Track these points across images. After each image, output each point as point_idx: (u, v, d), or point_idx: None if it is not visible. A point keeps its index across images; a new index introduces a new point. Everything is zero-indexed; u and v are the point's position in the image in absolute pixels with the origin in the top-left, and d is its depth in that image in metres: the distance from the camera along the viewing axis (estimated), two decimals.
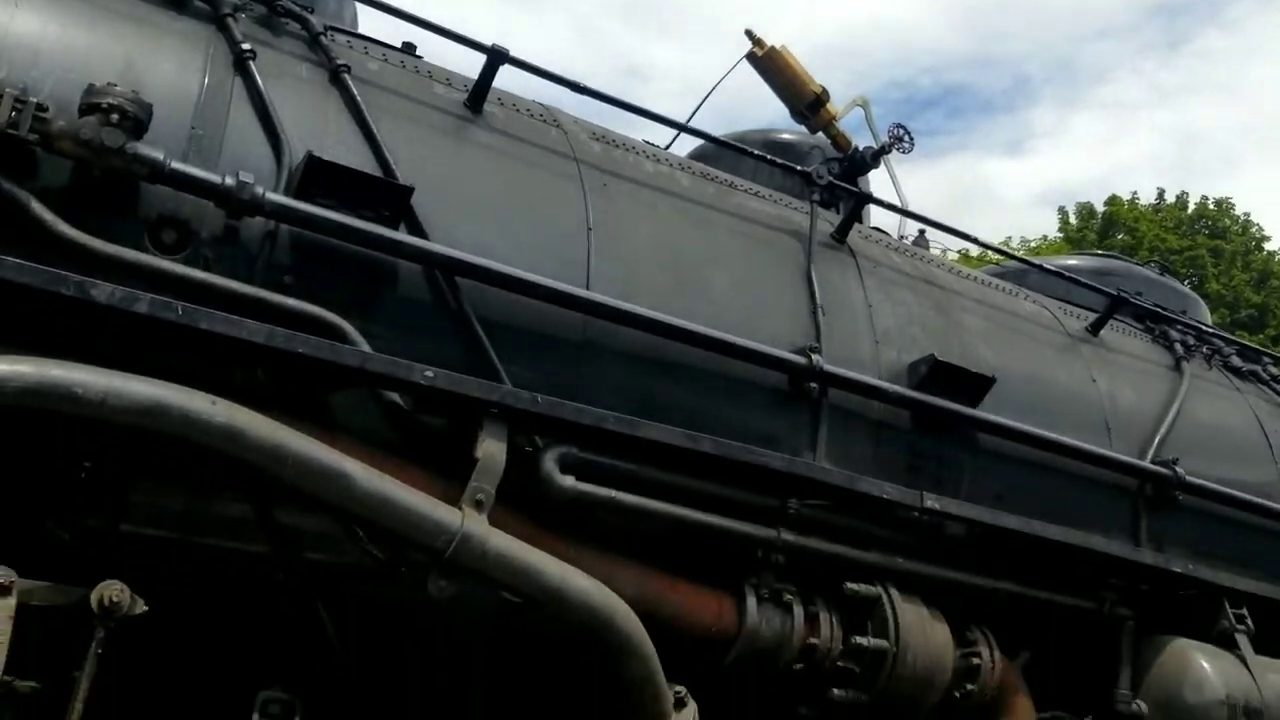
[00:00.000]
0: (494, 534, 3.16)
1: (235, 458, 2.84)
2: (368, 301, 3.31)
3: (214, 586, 3.33)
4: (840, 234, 4.53)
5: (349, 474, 2.92)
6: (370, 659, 3.48)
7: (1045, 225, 36.34)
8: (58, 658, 2.68)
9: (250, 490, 3.17)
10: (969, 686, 4.02)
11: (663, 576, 3.65)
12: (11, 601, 2.55)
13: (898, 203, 5.44)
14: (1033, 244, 24.59)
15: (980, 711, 4.09)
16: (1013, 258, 6.42)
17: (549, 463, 3.34)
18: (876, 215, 5.42)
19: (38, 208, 2.85)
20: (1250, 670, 4.36)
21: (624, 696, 3.45)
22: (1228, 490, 4.79)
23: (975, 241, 5.17)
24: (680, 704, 3.54)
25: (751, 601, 3.71)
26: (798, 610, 3.78)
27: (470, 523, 3.10)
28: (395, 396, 3.25)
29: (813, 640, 3.78)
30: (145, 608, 2.68)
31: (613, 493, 3.44)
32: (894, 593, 3.91)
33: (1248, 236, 24.69)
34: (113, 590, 2.63)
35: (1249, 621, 4.51)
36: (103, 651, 2.64)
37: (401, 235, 3.31)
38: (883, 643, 3.81)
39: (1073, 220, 25.16)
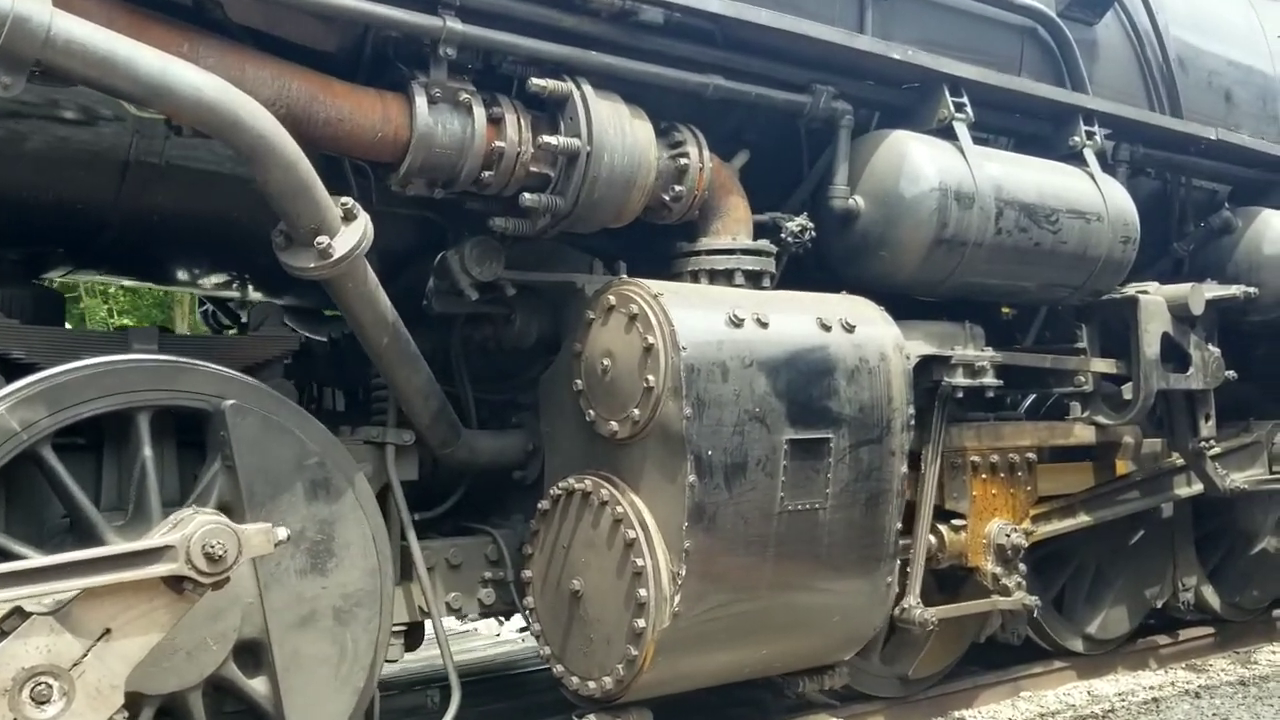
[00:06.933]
0: (64, 16, 2.64)
1: None
2: None
3: None
4: None
5: None
6: None
7: None
8: None
9: None
10: (678, 188, 3.85)
11: (312, 75, 3.22)
12: None
13: None
14: None
15: (694, 213, 3.97)
16: None
17: None
18: None
19: None
20: (966, 158, 4.30)
21: (282, 214, 3.14)
22: None
23: None
24: (350, 216, 3.25)
25: (421, 101, 3.34)
26: (478, 111, 3.44)
27: (26, 2, 2.56)
28: None
29: (498, 144, 3.48)
30: None
31: None
32: (587, 89, 3.59)
33: None
34: None
35: (969, 110, 4.40)
36: None
37: None
38: (575, 141, 3.54)
39: None
